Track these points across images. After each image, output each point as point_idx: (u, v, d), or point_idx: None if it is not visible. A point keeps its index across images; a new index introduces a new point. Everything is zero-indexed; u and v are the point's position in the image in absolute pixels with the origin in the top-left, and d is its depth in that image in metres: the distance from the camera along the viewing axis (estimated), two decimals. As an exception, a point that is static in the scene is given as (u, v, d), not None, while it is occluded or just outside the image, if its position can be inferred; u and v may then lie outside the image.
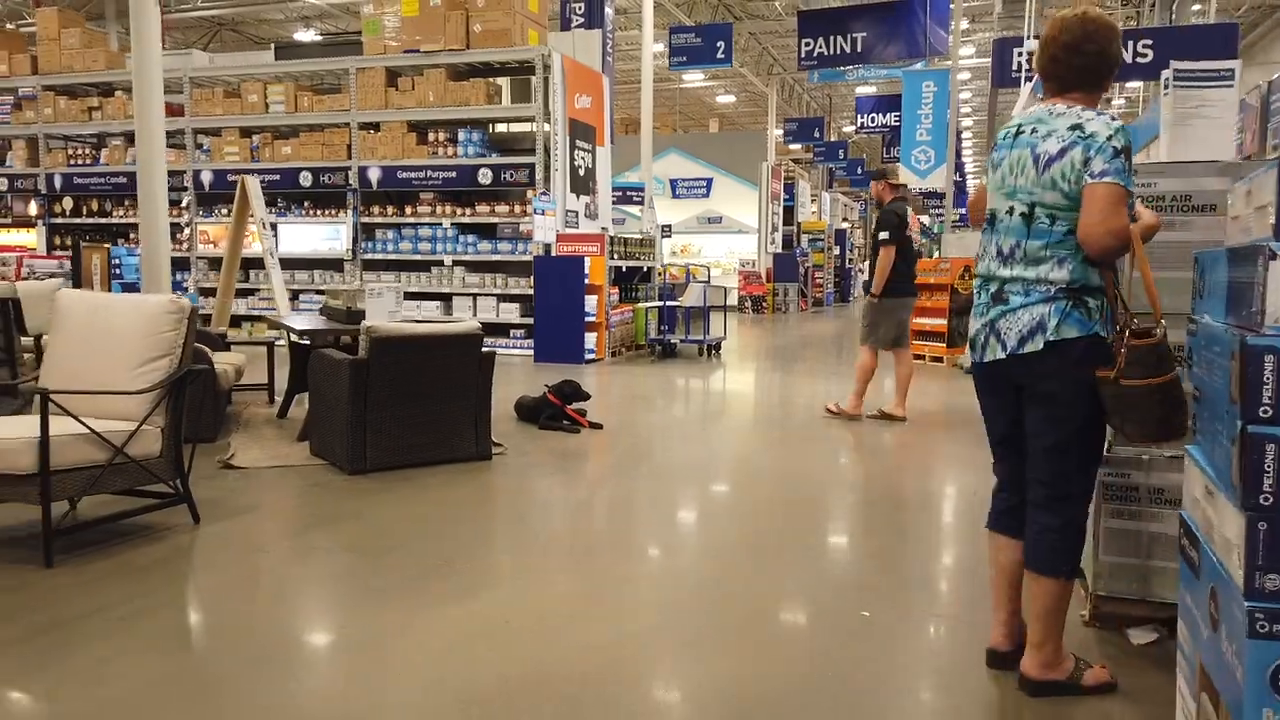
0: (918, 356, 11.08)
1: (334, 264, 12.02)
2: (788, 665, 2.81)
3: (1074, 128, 2.46)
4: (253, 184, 7.87)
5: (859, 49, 15.65)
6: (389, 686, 2.64)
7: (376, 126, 11.74)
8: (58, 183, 13.30)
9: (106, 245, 9.12)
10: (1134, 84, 23.19)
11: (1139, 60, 12.27)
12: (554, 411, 6.61)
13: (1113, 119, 2.44)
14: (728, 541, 4.07)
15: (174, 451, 3.99)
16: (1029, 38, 11.44)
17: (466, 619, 3.14)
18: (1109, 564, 3.05)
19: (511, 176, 11.16)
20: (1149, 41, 12.39)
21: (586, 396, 6.81)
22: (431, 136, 11.58)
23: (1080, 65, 2.53)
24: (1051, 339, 2.44)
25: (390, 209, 11.86)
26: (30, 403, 6.26)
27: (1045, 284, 2.47)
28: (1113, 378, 2.37)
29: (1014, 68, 11.62)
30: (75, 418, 3.56)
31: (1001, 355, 2.54)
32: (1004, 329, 2.53)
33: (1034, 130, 2.55)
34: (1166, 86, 3.42)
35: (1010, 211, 2.57)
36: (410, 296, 11.07)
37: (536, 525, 4.28)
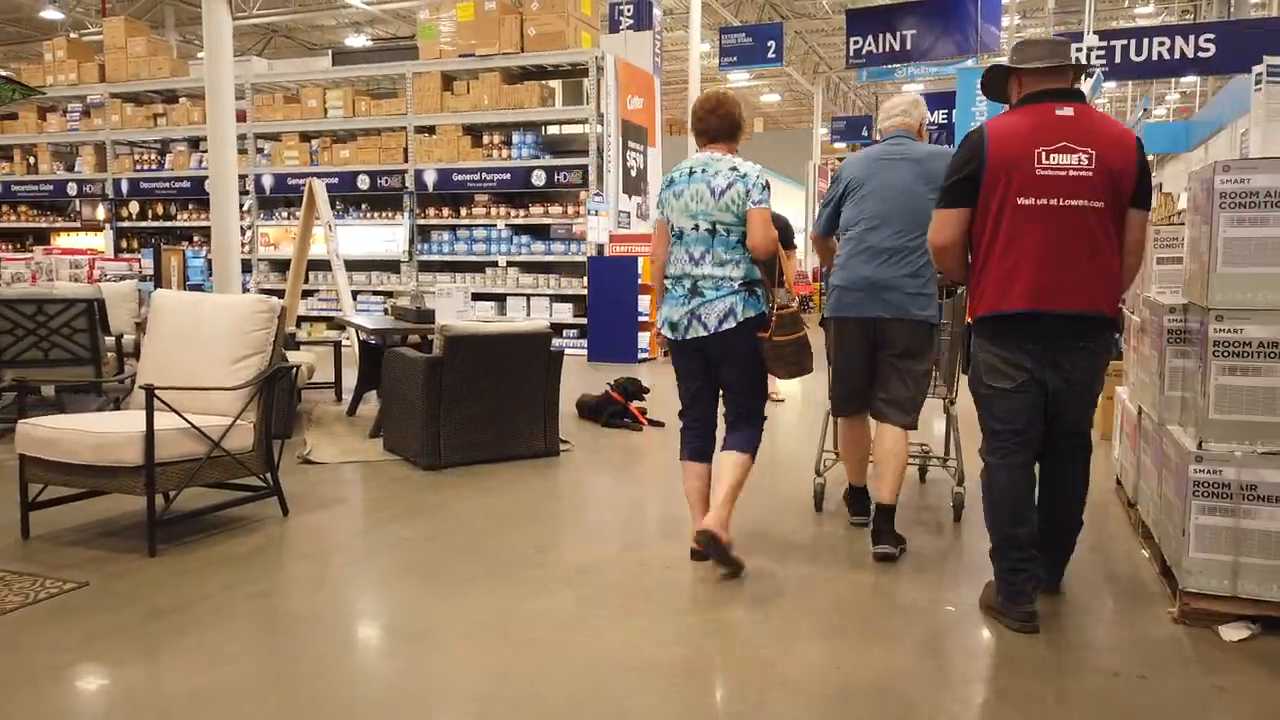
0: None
1: (391, 265, 12.24)
2: (876, 655, 2.85)
3: (732, 169, 3.54)
4: (319, 187, 8.06)
5: (908, 46, 15.54)
6: (494, 664, 2.72)
7: (432, 130, 11.92)
8: (124, 187, 13.70)
9: (183, 248, 9.39)
10: (1189, 79, 22.75)
11: (1201, 55, 12.07)
12: (617, 409, 6.69)
13: (754, 165, 3.56)
14: (804, 533, 4.11)
15: (265, 446, 4.13)
16: (1088, 32, 11.29)
17: (560, 604, 3.22)
18: (1199, 561, 3.04)
19: (565, 178, 11.27)
20: (1211, 36, 12.19)
21: (647, 391, 6.87)
22: (486, 139, 11.74)
23: (717, 125, 3.64)
24: (740, 320, 3.51)
25: (446, 211, 12.04)
26: (113, 400, 6.50)
27: (730, 280, 3.53)
28: (769, 337, 3.51)
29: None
30: (178, 413, 3.70)
31: (704, 334, 3.54)
32: (704, 314, 3.54)
33: (704, 170, 3.58)
34: (1259, 82, 3.39)
35: (696, 228, 3.57)
36: (465, 297, 11.22)
37: (613, 519, 4.35)
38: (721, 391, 3.73)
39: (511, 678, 2.69)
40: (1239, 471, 2.99)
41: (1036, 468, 3.18)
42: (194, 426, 3.74)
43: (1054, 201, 2.91)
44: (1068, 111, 2.95)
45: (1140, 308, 4.30)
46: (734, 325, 3.49)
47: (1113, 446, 5.18)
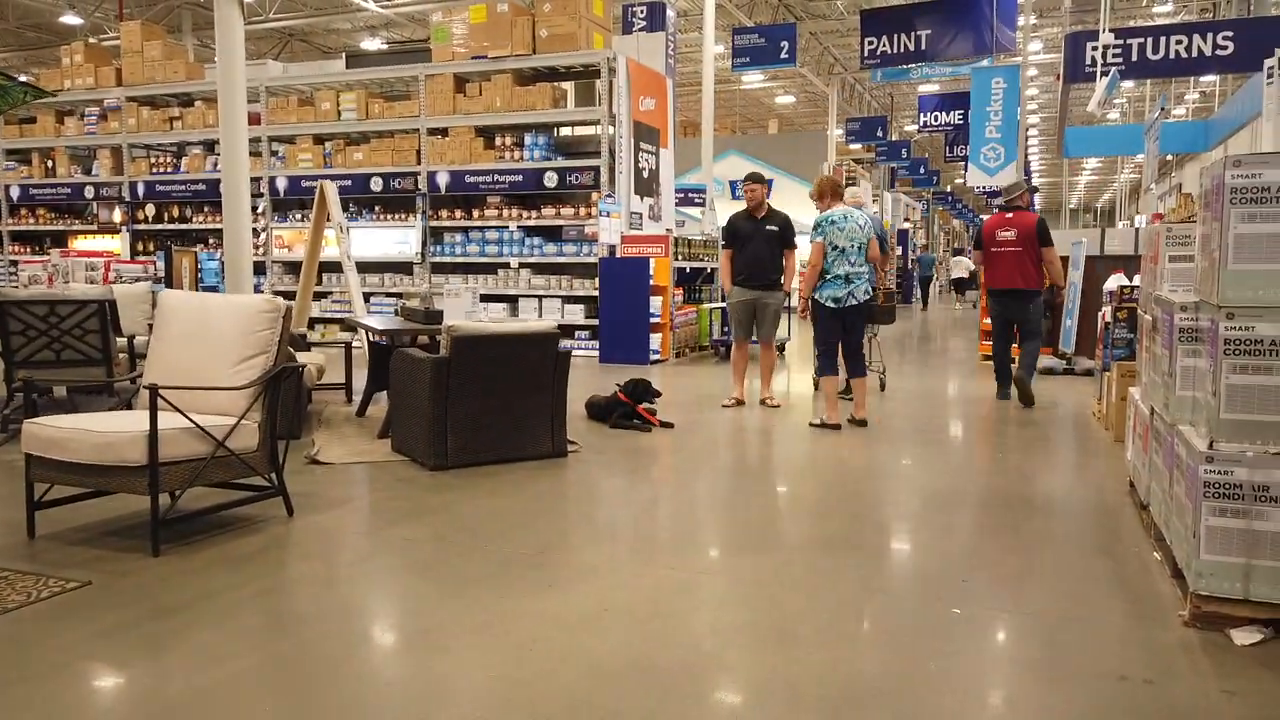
0: (986, 357, 10.90)
1: (404, 267, 12.27)
2: (880, 660, 2.81)
3: (861, 216, 6.70)
4: (331, 189, 8.09)
5: (923, 46, 15.48)
6: (494, 666, 2.70)
7: (445, 132, 11.95)
8: (140, 190, 13.80)
9: (195, 250, 9.45)
10: (1208, 78, 22.52)
11: (1219, 53, 11.94)
12: (625, 410, 6.67)
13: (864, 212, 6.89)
14: (807, 536, 4.07)
15: (270, 446, 4.13)
16: (1104, 31, 11.18)
17: (563, 607, 3.20)
18: (1210, 563, 2.99)
19: (576, 179, 11.27)
20: (1229, 33, 12.05)
21: (657, 395, 6.86)
22: (498, 141, 11.76)
23: (840, 192, 6.98)
24: (868, 295, 6.67)
25: (458, 213, 12.07)
26: (124, 400, 6.53)
27: (863, 275, 6.62)
28: (880, 303, 7.66)
29: (1088, 62, 11.40)
30: (182, 412, 3.71)
31: (855, 303, 6.59)
32: (855, 292, 6.58)
33: (849, 216, 6.61)
34: (1270, 77, 3.34)
35: (852, 246, 6.57)
36: (478, 298, 11.24)
37: (619, 520, 4.33)
38: (842, 341, 6.78)
39: (512, 678, 2.67)
40: (1250, 472, 2.94)
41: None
42: (198, 426, 3.74)
43: (1005, 249, 7.70)
44: (1009, 216, 7.81)
45: (1152, 306, 4.24)
46: (866, 298, 6.62)
47: (1126, 448, 5.10)
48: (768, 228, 7.54)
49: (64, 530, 3.99)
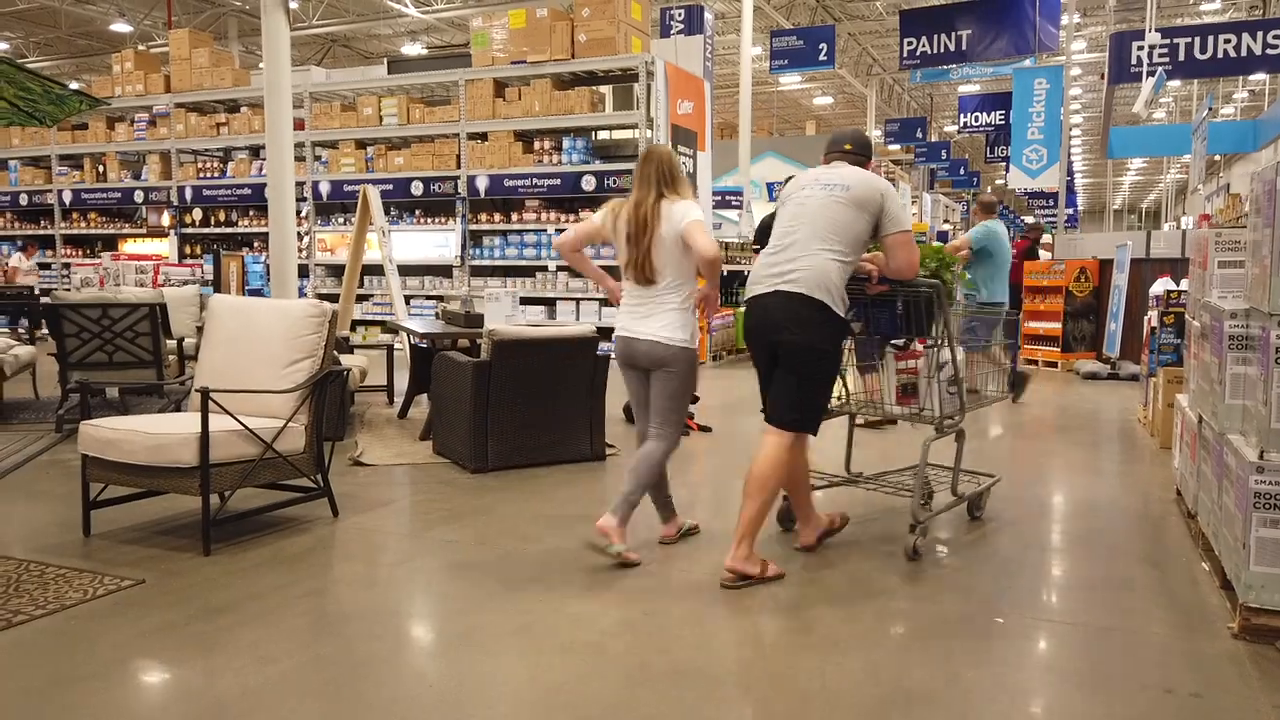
0: (1030, 361, 10.78)
1: (443, 270, 12.39)
2: (920, 666, 2.80)
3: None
4: (373, 193, 8.20)
5: (963, 46, 15.32)
6: (535, 668, 2.74)
7: (484, 136, 12.05)
8: (188, 195, 14.08)
9: (242, 254, 9.63)
10: (1258, 76, 22.03)
11: (1269, 52, 11.69)
12: (664, 414, 6.67)
13: None
14: (844, 538, 4.06)
15: (316, 448, 4.21)
16: (1150, 30, 11.00)
17: (603, 611, 3.23)
18: (1261, 575, 2.94)
19: (614, 183, 11.30)
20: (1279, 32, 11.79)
21: (695, 399, 6.86)
22: (537, 145, 11.83)
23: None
24: None
25: (497, 216, 12.16)
26: (174, 402, 6.68)
27: None
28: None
29: (1133, 62, 11.23)
30: (232, 415, 3.79)
31: None
32: None
33: None
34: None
35: None
36: (516, 301, 11.31)
37: (656, 524, 4.34)
38: None
39: (549, 681, 2.71)
40: (1302, 483, 2.88)
41: None
42: (247, 428, 3.82)
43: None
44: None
45: (1200, 312, 4.17)
46: None
47: (1173, 456, 5.03)
48: None
49: (119, 529, 4.10)
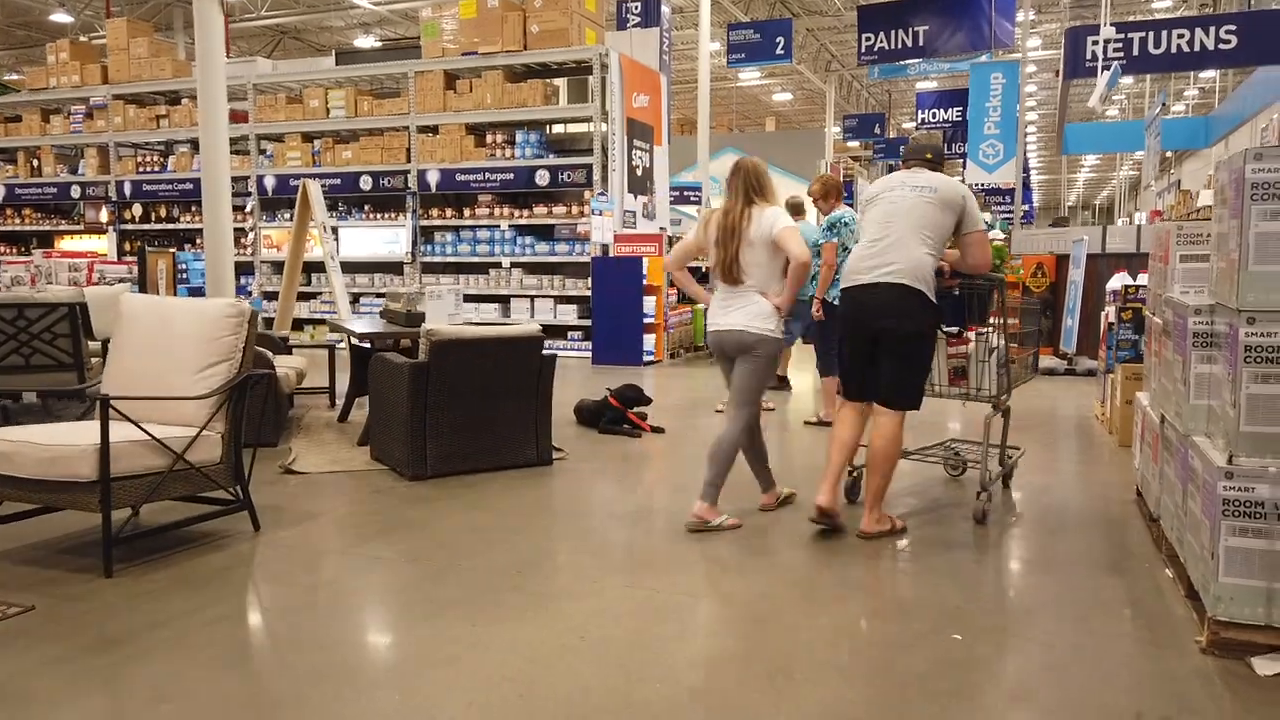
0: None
1: (394, 267, 12.06)
2: (876, 695, 2.61)
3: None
4: (314, 188, 7.88)
5: (921, 42, 15.30)
6: (461, 705, 2.50)
7: (435, 129, 11.74)
8: (127, 189, 13.58)
9: (172, 250, 9.21)
10: (1208, 74, 22.33)
11: (1222, 47, 11.73)
12: (615, 415, 6.46)
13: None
14: (800, 553, 3.87)
15: (234, 458, 3.93)
16: (1105, 24, 10.98)
17: (539, 634, 2.99)
18: (1230, 586, 2.78)
19: (569, 177, 11.06)
20: (1232, 27, 11.84)
21: (648, 401, 6.65)
22: (489, 138, 11.55)
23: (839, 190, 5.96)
24: None
25: (449, 211, 11.86)
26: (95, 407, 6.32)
27: None
28: None
29: (1088, 56, 11.19)
30: (135, 424, 3.50)
31: None
32: None
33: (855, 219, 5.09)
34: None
35: None
36: (468, 299, 11.03)
37: (602, 535, 4.12)
38: None
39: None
40: (1274, 489, 2.73)
41: None
42: (153, 438, 3.53)
43: None
44: None
45: (1162, 308, 4.03)
46: None
47: (1133, 455, 4.90)
48: None
49: (14, 549, 3.78)
